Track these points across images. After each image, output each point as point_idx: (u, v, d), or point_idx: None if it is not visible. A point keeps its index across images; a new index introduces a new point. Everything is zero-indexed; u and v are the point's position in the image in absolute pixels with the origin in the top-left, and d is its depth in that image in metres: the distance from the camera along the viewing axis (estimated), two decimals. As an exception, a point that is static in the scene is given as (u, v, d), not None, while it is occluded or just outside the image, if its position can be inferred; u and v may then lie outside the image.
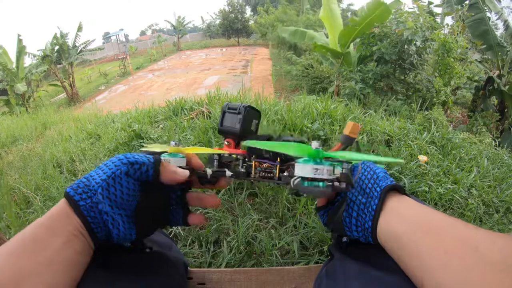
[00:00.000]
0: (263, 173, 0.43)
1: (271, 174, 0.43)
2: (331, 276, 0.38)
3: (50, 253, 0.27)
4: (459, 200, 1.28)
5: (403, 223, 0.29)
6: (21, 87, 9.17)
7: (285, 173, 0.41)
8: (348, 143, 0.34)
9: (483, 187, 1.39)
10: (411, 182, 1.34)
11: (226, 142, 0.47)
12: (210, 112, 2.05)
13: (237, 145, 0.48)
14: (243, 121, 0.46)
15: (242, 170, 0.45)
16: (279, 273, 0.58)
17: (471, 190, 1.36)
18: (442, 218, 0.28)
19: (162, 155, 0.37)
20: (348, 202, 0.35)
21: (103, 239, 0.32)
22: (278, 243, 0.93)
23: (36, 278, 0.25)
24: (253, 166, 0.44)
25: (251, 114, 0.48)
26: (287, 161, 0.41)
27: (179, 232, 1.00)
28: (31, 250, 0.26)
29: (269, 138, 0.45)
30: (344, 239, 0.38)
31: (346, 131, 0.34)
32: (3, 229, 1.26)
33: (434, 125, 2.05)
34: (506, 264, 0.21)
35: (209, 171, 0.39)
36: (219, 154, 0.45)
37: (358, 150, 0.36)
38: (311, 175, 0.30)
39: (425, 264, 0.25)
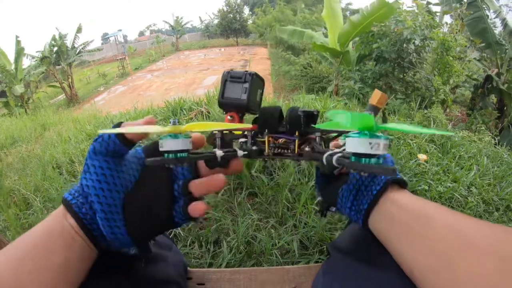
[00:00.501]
0: (278, 150, 0.39)
1: (288, 151, 0.38)
2: (329, 275, 0.38)
3: (48, 256, 0.26)
4: (459, 198, 1.28)
5: (399, 212, 0.30)
6: (19, 88, 9.14)
7: (307, 148, 0.36)
8: (374, 113, 0.31)
9: (483, 185, 1.39)
10: (410, 180, 1.34)
11: (229, 117, 0.41)
12: (209, 112, 2.05)
13: (241, 119, 0.41)
14: (250, 91, 0.39)
15: (254, 147, 0.39)
16: (279, 272, 0.58)
17: (471, 189, 1.36)
18: (436, 208, 0.29)
19: (160, 137, 0.29)
20: (352, 179, 0.35)
21: (101, 239, 0.31)
22: (278, 242, 0.93)
23: (35, 282, 0.25)
24: (266, 142, 0.38)
25: (257, 82, 0.41)
26: (307, 134, 0.37)
27: (179, 232, 1.00)
28: (31, 254, 0.26)
29: (280, 111, 0.40)
30: (333, 209, 0.38)
31: (373, 101, 0.31)
32: (2, 231, 1.26)
33: (433, 124, 2.06)
34: (490, 249, 0.22)
35: (219, 153, 0.33)
36: (222, 132, 0.38)
37: (385, 119, 0.34)
38: (368, 151, 0.25)
39: (416, 249, 0.27)
